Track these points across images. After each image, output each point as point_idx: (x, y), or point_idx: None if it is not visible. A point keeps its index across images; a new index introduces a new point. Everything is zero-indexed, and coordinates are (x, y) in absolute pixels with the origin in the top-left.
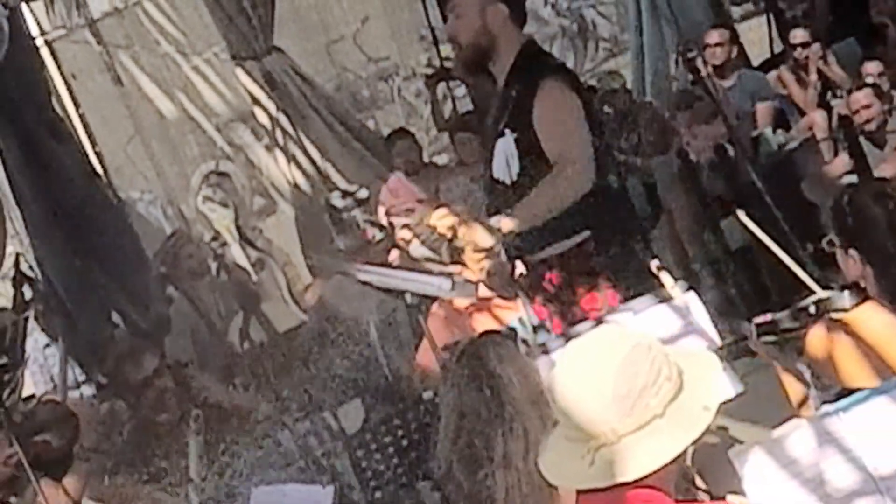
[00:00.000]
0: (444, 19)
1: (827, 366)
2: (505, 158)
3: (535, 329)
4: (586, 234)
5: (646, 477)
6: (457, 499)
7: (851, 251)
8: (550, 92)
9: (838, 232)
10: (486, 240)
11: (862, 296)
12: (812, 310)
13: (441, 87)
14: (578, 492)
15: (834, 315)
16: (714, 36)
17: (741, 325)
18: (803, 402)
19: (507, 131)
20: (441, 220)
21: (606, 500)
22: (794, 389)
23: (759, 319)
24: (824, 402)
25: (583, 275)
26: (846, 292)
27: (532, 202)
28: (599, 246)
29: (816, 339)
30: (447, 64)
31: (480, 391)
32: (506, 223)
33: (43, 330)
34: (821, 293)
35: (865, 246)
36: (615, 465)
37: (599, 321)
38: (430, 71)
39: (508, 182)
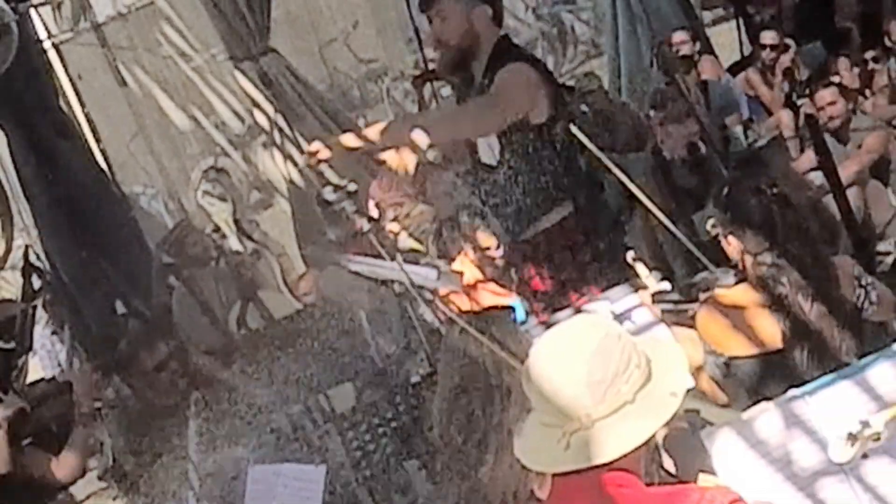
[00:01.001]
0: (430, 21)
1: (712, 339)
2: (486, 143)
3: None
4: (569, 207)
5: (617, 460)
6: (446, 469)
7: (731, 237)
8: (510, 67)
9: (721, 219)
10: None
11: (741, 276)
12: (701, 285)
13: (427, 87)
14: (553, 475)
15: (718, 291)
16: (681, 34)
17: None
18: (700, 368)
19: None
20: (421, 215)
21: (580, 482)
22: (692, 355)
23: (656, 288)
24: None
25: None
26: (731, 272)
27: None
28: (580, 222)
29: (703, 317)
30: (432, 66)
31: (481, 362)
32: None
33: (50, 319)
34: (711, 271)
35: (742, 233)
36: (589, 448)
37: (578, 310)
38: (417, 72)
39: (494, 164)
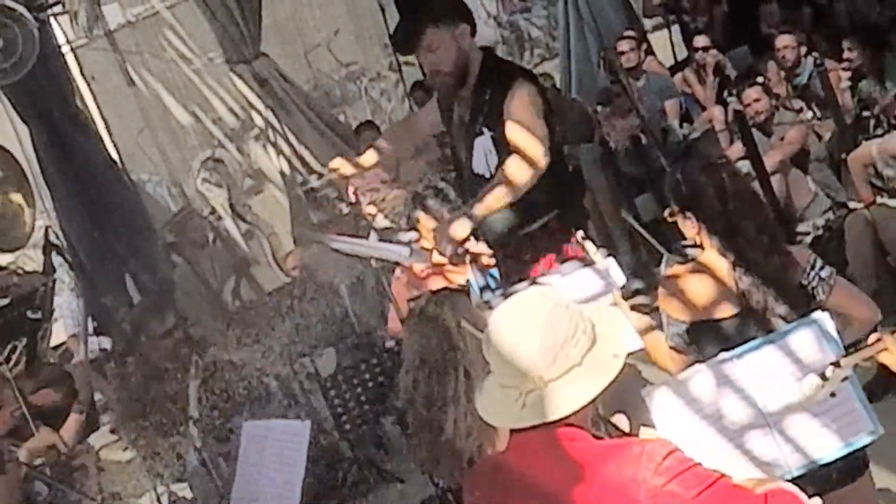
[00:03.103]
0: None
1: (676, 302)
2: (484, 154)
3: (481, 290)
4: (554, 212)
5: (568, 416)
6: (416, 426)
7: (688, 214)
8: (520, 92)
9: (676, 201)
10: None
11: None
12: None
13: (400, 87)
14: (511, 431)
15: (674, 268)
16: (624, 44)
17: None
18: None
19: (484, 130)
20: (395, 199)
21: (535, 437)
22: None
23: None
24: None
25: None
26: (691, 250)
27: (495, 191)
28: (562, 222)
29: (673, 274)
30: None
31: (437, 338)
32: (468, 223)
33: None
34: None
35: (698, 210)
36: (543, 406)
37: (534, 282)
38: (391, 73)
39: (488, 175)
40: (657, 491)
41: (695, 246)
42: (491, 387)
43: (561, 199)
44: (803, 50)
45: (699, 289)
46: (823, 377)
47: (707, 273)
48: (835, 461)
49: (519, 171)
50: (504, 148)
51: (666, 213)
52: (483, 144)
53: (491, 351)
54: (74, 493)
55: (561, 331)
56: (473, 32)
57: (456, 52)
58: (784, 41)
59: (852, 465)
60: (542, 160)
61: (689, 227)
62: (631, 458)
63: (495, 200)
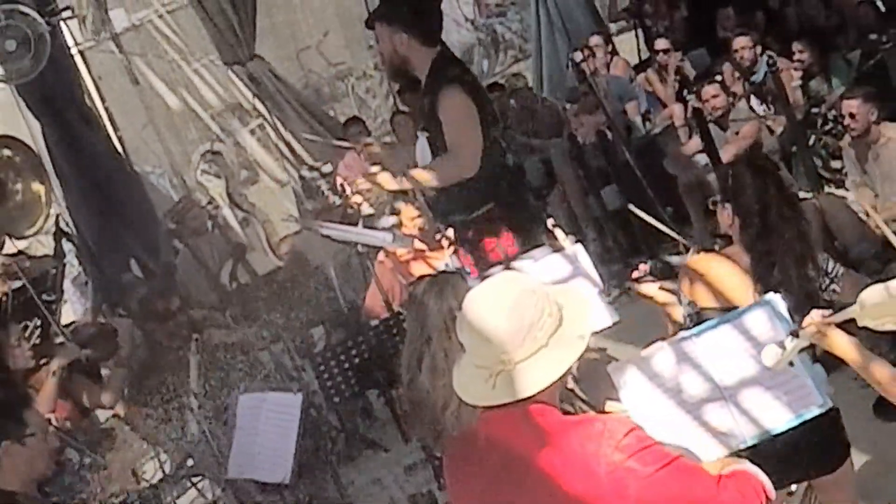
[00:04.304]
0: None
1: (699, 287)
2: (422, 153)
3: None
4: (490, 205)
5: (536, 395)
6: (418, 403)
7: (727, 205)
8: (448, 98)
9: (721, 192)
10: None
11: (727, 242)
12: (674, 262)
13: (384, 86)
14: (483, 408)
15: (695, 257)
16: (591, 45)
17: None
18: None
19: (419, 134)
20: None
21: (506, 414)
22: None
23: (637, 274)
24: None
25: (490, 230)
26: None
27: (425, 171)
28: (501, 212)
29: (701, 259)
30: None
31: (434, 319)
32: (405, 181)
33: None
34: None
35: (736, 204)
36: (512, 386)
37: (507, 267)
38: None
39: None
40: (616, 466)
41: (678, 253)
42: (465, 366)
43: (498, 192)
44: (759, 50)
45: (716, 277)
46: (782, 346)
47: (728, 264)
48: (820, 448)
49: (442, 169)
50: (438, 150)
51: (709, 201)
52: (421, 144)
53: (464, 332)
54: (98, 458)
55: (528, 314)
56: (423, 42)
57: (392, 50)
58: (741, 42)
59: (838, 451)
60: (468, 164)
61: (725, 218)
62: (593, 434)
63: (422, 179)
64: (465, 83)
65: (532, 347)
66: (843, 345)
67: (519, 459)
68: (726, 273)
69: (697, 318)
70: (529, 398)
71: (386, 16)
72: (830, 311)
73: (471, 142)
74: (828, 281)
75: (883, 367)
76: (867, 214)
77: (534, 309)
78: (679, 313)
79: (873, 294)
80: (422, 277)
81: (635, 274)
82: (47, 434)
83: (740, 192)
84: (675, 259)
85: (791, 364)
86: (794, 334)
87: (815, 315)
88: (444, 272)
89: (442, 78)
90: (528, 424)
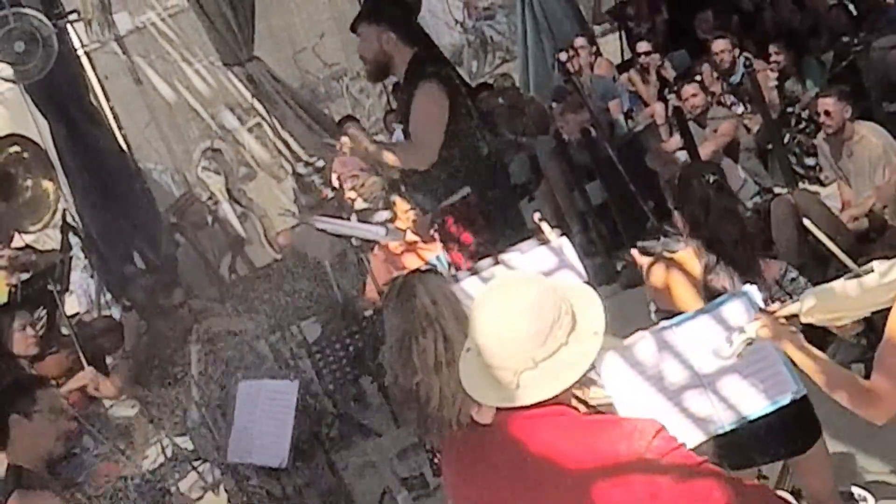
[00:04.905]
0: None
1: (662, 292)
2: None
3: (449, 265)
4: (467, 189)
5: (558, 394)
6: (402, 398)
7: (676, 212)
8: (422, 93)
9: (672, 198)
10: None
11: (686, 244)
12: (653, 249)
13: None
14: (498, 409)
15: (667, 254)
16: (576, 46)
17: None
18: None
19: (395, 126)
20: (373, 185)
21: (524, 415)
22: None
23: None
24: (662, 320)
25: (470, 221)
26: (679, 239)
27: (388, 152)
28: (479, 200)
29: (657, 271)
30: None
31: (414, 315)
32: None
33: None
34: (662, 240)
35: (685, 210)
36: (538, 385)
37: (496, 261)
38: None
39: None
40: (649, 466)
41: (667, 235)
42: (477, 367)
43: (474, 178)
44: (737, 52)
45: (667, 281)
46: (730, 341)
47: (680, 269)
48: (793, 431)
49: (402, 154)
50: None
51: (670, 203)
52: (397, 136)
53: (479, 334)
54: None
55: (548, 314)
56: (406, 41)
57: (377, 49)
58: (720, 45)
59: (808, 433)
60: (424, 156)
61: (681, 224)
62: (624, 434)
63: (387, 158)
64: (441, 78)
65: (553, 346)
66: (785, 339)
67: (542, 460)
68: (675, 281)
69: (657, 318)
70: (550, 399)
71: (374, 14)
72: (778, 306)
73: (430, 136)
74: (786, 285)
75: (826, 367)
76: (840, 210)
77: (553, 308)
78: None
79: (815, 293)
80: (396, 278)
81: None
82: (58, 415)
83: (687, 200)
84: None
85: (750, 343)
86: (741, 329)
87: (764, 311)
88: (419, 270)
89: (420, 74)
90: (550, 425)
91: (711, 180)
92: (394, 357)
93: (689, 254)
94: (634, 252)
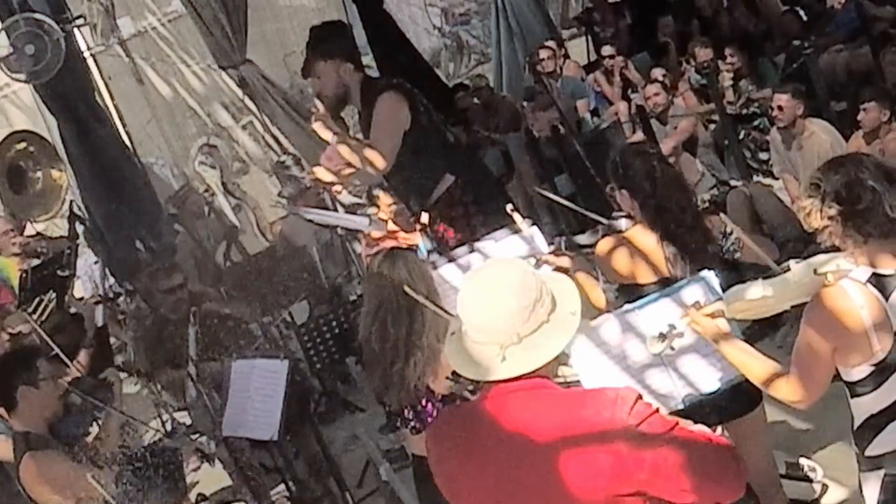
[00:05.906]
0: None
1: (608, 267)
2: None
3: (429, 252)
4: (450, 178)
5: (539, 368)
6: (370, 359)
7: (623, 191)
8: (383, 102)
9: (614, 180)
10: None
11: (634, 222)
12: (601, 231)
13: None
14: (487, 384)
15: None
16: (544, 51)
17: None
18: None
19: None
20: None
21: (509, 389)
22: (595, 293)
23: (553, 248)
24: (617, 298)
25: (456, 215)
26: (624, 219)
27: (351, 152)
28: (464, 189)
29: (604, 244)
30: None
31: (390, 288)
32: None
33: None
34: (609, 221)
35: (631, 187)
36: (523, 357)
37: (472, 249)
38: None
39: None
40: (632, 431)
41: (629, 217)
42: (465, 344)
43: (453, 165)
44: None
45: (626, 258)
46: (662, 336)
47: (634, 244)
48: (734, 396)
49: (370, 157)
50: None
51: (607, 188)
52: None
53: (468, 311)
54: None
55: (531, 293)
56: (357, 68)
57: (336, 82)
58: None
59: (748, 399)
60: (380, 164)
61: (626, 203)
62: (608, 402)
63: (348, 157)
64: (394, 87)
65: (536, 322)
66: (712, 334)
67: (528, 431)
68: (633, 253)
69: (617, 294)
70: (532, 372)
71: (329, 51)
72: (702, 304)
73: (386, 142)
74: (728, 243)
75: (749, 358)
76: (792, 202)
77: (536, 288)
78: (601, 297)
79: (735, 293)
80: (380, 250)
81: (552, 247)
82: (58, 381)
83: (631, 176)
84: (581, 238)
85: (672, 349)
86: (672, 325)
87: (691, 308)
88: (397, 247)
89: (375, 90)
90: (534, 397)
91: (653, 152)
92: (369, 321)
93: (638, 229)
94: (547, 257)
